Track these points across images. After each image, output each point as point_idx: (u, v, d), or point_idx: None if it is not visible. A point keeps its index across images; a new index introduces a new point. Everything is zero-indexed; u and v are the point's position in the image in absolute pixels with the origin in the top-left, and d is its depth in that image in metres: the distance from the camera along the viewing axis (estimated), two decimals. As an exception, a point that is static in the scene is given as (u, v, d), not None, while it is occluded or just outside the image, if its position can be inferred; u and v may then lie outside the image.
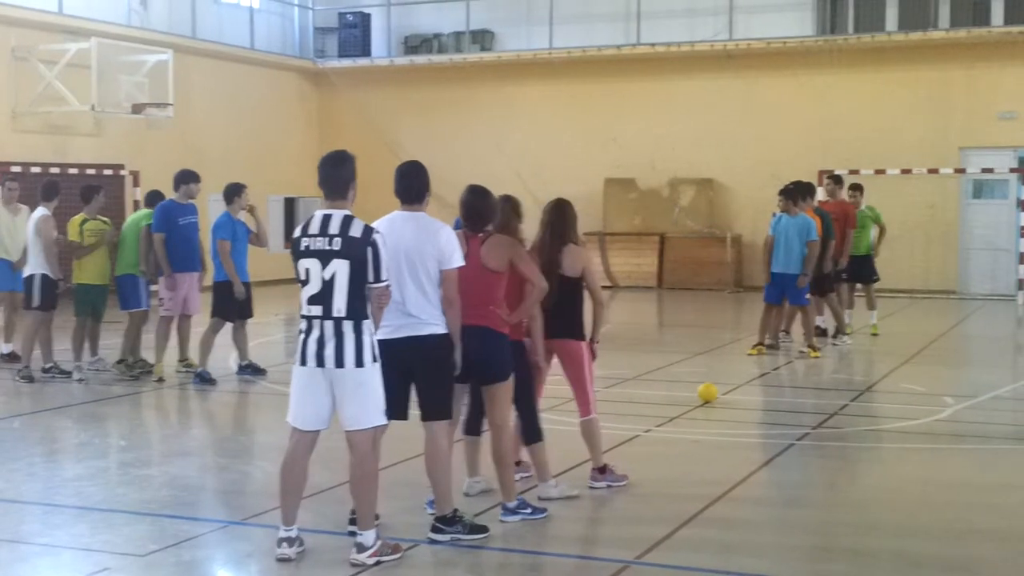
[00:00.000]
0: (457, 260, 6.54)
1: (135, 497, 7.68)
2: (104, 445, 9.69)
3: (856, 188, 16.35)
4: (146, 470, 8.55)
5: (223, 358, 13.15)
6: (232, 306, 12.32)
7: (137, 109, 21.21)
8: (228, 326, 12.54)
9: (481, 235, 6.95)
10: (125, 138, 22.17)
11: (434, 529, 6.61)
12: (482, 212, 7.00)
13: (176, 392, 12.07)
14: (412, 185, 6.68)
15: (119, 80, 20.95)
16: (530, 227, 7.63)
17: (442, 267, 6.50)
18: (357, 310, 6.11)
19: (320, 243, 6.12)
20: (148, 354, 12.70)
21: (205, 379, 12.10)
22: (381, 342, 6.31)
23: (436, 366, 6.56)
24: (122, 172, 21.68)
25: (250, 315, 12.69)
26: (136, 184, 21.03)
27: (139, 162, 21.68)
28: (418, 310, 6.48)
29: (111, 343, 13.51)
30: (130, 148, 22.17)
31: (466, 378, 6.97)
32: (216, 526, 7.01)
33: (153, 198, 12.87)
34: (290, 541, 6.29)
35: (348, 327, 6.08)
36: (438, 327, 6.54)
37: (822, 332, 15.52)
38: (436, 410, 6.61)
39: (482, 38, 27.18)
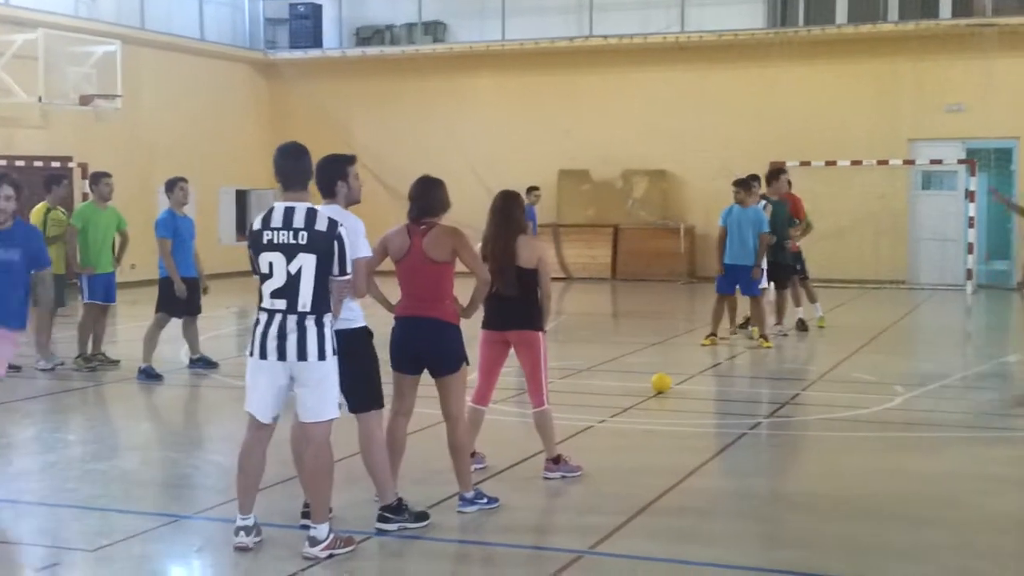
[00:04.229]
0: (359, 250, 6.40)
1: (85, 492, 7.60)
2: (53, 440, 9.56)
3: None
4: (95, 464, 8.45)
5: (174, 351, 13.04)
6: (176, 302, 12.20)
7: (85, 101, 20.95)
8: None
9: (423, 227, 6.93)
10: (73, 130, 21.90)
11: (380, 519, 6.60)
12: (417, 200, 6.96)
13: (127, 387, 11.94)
14: (318, 179, 6.59)
15: (66, 71, 20.68)
16: (484, 218, 7.64)
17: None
18: (321, 304, 6.10)
19: (284, 236, 6.06)
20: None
21: (150, 375, 11.95)
22: None
23: (354, 360, 6.50)
24: (70, 164, 21.41)
25: (198, 311, 12.58)
26: (84, 176, 20.78)
27: (87, 154, 21.41)
28: None
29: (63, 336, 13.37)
30: (78, 140, 21.91)
31: (417, 369, 6.97)
32: (167, 520, 6.94)
33: (96, 178, 12.82)
34: (247, 529, 6.26)
35: (311, 321, 6.07)
36: (352, 322, 6.53)
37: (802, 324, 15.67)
38: (362, 402, 6.60)
39: (434, 29, 27.09)
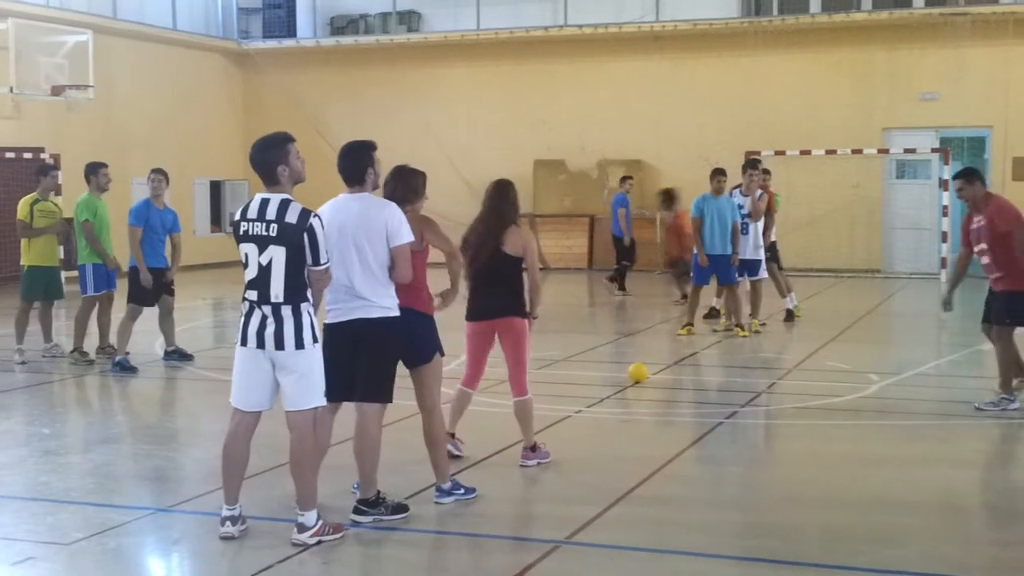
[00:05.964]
0: (404, 236, 6.46)
1: (58, 485, 7.54)
2: (26, 433, 9.49)
3: (766, 171, 16.52)
4: (70, 458, 8.40)
5: (149, 344, 12.96)
6: (145, 292, 12.10)
7: (57, 91, 20.80)
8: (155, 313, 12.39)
9: None
10: (45, 120, 21.74)
11: (356, 511, 6.60)
12: (384, 189, 6.94)
13: (101, 379, 11.87)
14: (348, 166, 6.60)
15: (38, 61, 20.55)
16: (461, 209, 7.63)
17: (390, 244, 6.44)
18: (295, 294, 6.10)
19: (258, 228, 6.11)
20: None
21: (124, 367, 11.86)
22: (333, 324, 6.46)
23: (380, 349, 6.51)
24: (43, 155, 21.24)
25: (171, 294, 12.45)
26: (57, 167, 20.60)
27: (60, 145, 21.26)
28: (368, 292, 6.44)
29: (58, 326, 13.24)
30: (51, 131, 21.74)
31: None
32: (142, 513, 6.90)
33: (94, 169, 12.58)
34: (233, 519, 6.27)
35: (287, 311, 6.09)
36: (390, 310, 6.51)
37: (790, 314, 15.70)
38: (373, 392, 6.56)
39: (409, 19, 27.03)
